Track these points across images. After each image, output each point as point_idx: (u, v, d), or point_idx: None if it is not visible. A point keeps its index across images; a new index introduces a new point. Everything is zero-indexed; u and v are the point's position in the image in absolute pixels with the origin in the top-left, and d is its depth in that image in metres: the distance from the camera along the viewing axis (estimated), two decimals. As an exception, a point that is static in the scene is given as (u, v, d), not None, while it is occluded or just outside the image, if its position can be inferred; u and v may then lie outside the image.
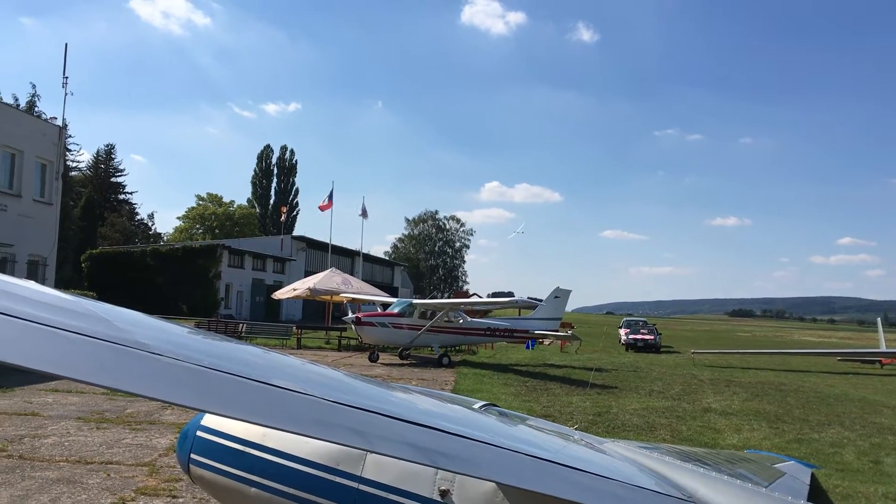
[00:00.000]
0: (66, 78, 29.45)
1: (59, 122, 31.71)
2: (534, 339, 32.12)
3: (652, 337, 41.16)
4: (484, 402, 4.09)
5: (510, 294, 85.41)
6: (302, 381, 2.09)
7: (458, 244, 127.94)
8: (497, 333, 27.03)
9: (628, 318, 51.24)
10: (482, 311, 43.19)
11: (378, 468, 4.15)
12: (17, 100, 55.26)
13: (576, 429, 4.24)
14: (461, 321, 25.90)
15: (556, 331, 28.48)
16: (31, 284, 1.94)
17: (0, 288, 1.68)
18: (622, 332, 44.72)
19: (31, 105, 55.46)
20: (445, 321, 24.94)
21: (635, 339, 40.69)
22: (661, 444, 6.87)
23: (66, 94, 30.12)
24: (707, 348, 42.38)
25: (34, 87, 70.63)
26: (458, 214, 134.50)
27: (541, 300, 28.98)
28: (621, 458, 3.23)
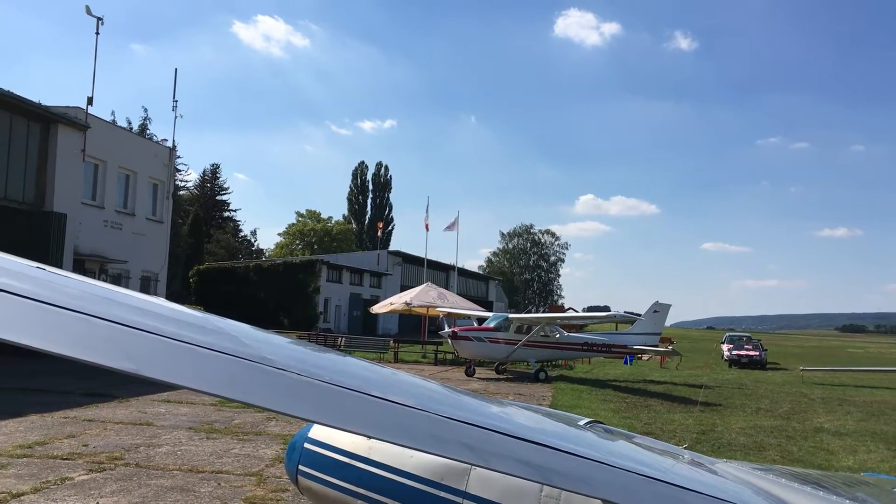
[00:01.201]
0: (176, 101, 30.96)
1: (170, 144, 33.29)
2: (632, 355, 31.50)
3: (757, 353, 39.65)
4: (589, 419, 4.04)
5: (606, 308, 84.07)
6: (415, 396, 2.12)
7: (552, 258, 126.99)
8: (594, 348, 26.64)
9: (731, 333, 49.62)
10: (578, 325, 42.70)
11: (482, 484, 4.15)
12: (130, 123, 58.30)
13: (685, 448, 4.14)
14: (557, 336, 25.68)
15: (656, 346, 27.86)
16: (163, 301, 2.05)
17: (137, 306, 1.78)
18: (725, 347, 43.28)
19: (144, 128, 58.39)
20: (542, 336, 24.76)
21: (739, 355, 39.30)
22: (774, 465, 6.62)
23: (175, 117, 31.67)
24: (817, 365, 40.57)
25: (146, 110, 74.46)
26: (553, 228, 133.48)
27: (638, 314, 28.42)
28: (735, 479, 3.14)
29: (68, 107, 24.77)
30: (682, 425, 14.92)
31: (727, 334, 50.12)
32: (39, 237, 22.20)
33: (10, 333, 1.26)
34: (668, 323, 29.90)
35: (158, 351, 1.57)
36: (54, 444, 9.64)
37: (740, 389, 24.00)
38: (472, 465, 3.47)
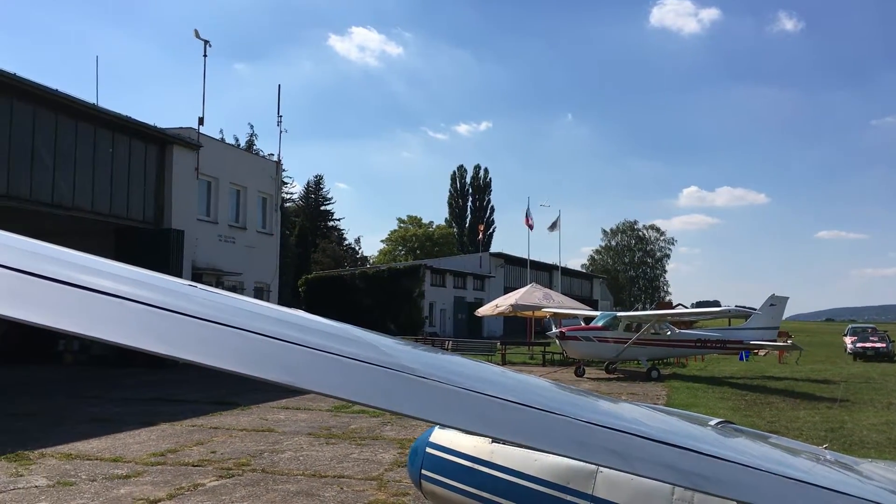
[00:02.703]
0: (281, 116, 31.97)
1: (276, 158, 34.39)
2: (748, 350, 30.40)
3: (884, 344, 37.50)
4: (719, 419, 3.90)
5: (716, 303, 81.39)
6: (554, 402, 2.09)
7: (658, 254, 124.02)
8: (708, 345, 25.87)
9: (854, 325, 47.11)
10: (688, 322, 41.55)
11: (610, 486, 4.06)
12: (237, 140, 60.60)
13: (825, 448, 3.93)
14: (669, 333, 25.06)
15: (774, 341, 26.79)
16: (303, 314, 2.09)
17: (284, 319, 1.81)
18: (847, 339, 41.13)
19: (251, 144, 60.61)
20: (652, 333, 24.22)
21: (864, 348, 37.28)
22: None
23: (280, 132, 32.73)
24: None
25: (252, 127, 77.05)
26: (657, 223, 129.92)
27: (752, 308, 27.39)
28: (883, 479, 2.96)
29: (181, 128, 25.94)
30: (807, 423, 14.28)
31: (850, 326, 47.64)
32: (160, 253, 23.31)
33: (171, 349, 1.30)
34: (783, 316, 28.71)
35: (310, 363, 1.59)
36: (185, 451, 10.08)
37: (868, 383, 22.78)
38: (619, 470, 3.40)
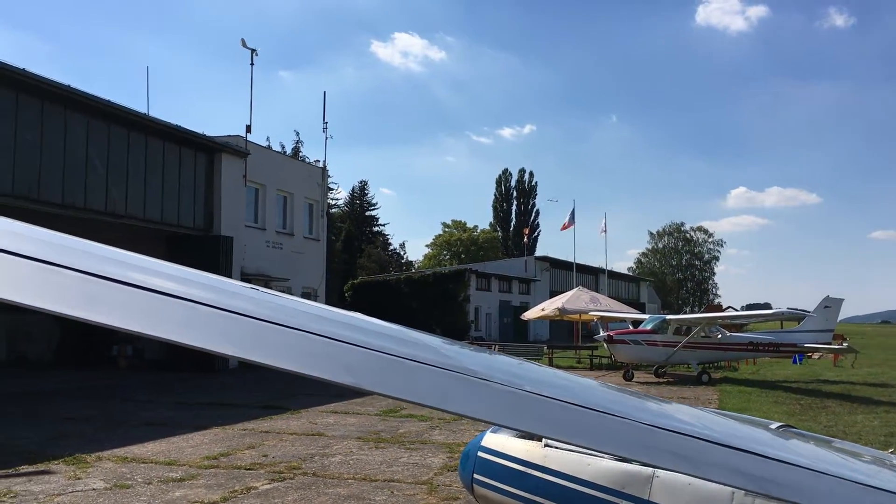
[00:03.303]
0: (326, 123, 32.30)
1: (321, 164, 34.73)
2: (801, 354, 29.74)
3: (943, 347, 36.44)
4: (780, 423, 3.81)
5: (767, 306, 79.97)
6: (616, 404, 2.06)
7: (706, 256, 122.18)
8: (760, 348, 25.37)
9: (912, 327, 45.80)
10: (739, 324, 40.83)
11: (667, 491, 4.00)
12: (283, 147, 61.33)
13: (892, 452, 3.82)
14: (719, 336, 24.65)
15: (829, 343, 26.17)
16: (361, 316, 2.09)
17: (343, 321, 1.82)
18: (906, 342, 40.05)
19: (297, 151, 61.30)
20: (702, 336, 23.86)
21: (923, 351, 36.25)
22: None
23: (326, 138, 33.06)
24: None
25: (297, 134, 77.98)
26: (705, 224, 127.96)
27: (804, 311, 26.80)
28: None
29: (229, 136, 26.35)
30: (866, 427, 13.91)
31: (907, 328, 46.31)
32: (210, 259, 23.68)
33: (238, 351, 1.31)
34: (838, 318, 28.02)
35: (371, 364, 1.59)
36: (237, 454, 10.22)
37: (928, 387, 22.12)
38: (687, 475, 3.36)
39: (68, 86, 18.88)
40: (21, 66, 17.56)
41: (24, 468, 9.15)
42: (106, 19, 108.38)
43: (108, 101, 20.28)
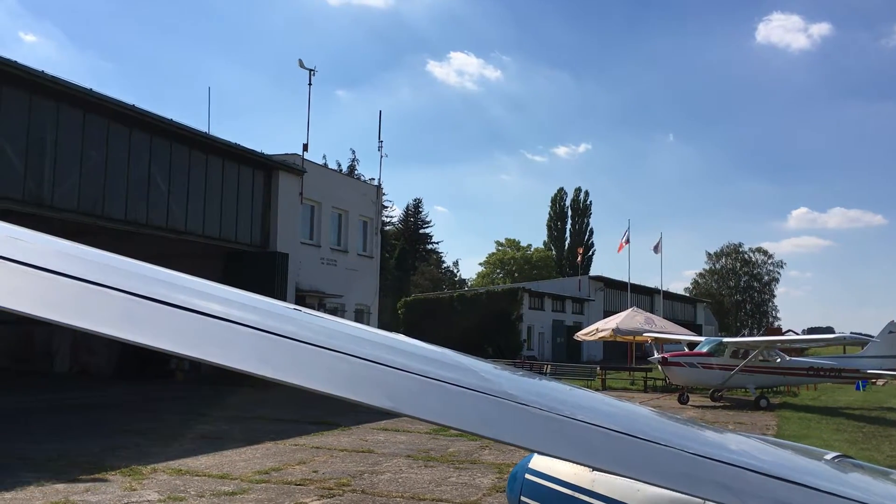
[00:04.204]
0: (381, 142, 32.64)
1: (376, 182, 35.08)
2: (865, 380, 28.79)
3: None
4: (836, 454, 3.68)
5: (829, 330, 77.75)
6: (659, 431, 2.02)
7: (765, 277, 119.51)
8: (821, 373, 24.65)
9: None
10: (800, 349, 39.78)
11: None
12: (339, 165, 62.19)
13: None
14: (778, 360, 24.04)
15: (894, 370, 25.29)
16: (403, 338, 2.10)
17: (385, 343, 1.82)
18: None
19: (352, 169, 62.08)
20: (761, 360, 23.30)
21: None
22: None
23: (381, 157, 33.42)
24: None
25: (353, 152, 78.99)
26: (764, 245, 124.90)
27: (869, 336, 25.99)
28: None
29: (286, 154, 26.83)
30: (933, 459, 13.38)
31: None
32: (266, 276, 24.07)
33: (278, 373, 1.31)
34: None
35: (412, 388, 1.59)
36: (288, 470, 10.31)
37: None
38: None
39: (133, 105, 19.48)
40: (88, 86, 18.20)
41: (83, 478, 9.38)
42: (169, 40, 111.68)
43: (171, 119, 20.86)
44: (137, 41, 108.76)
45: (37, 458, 10.55)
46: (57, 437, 12.60)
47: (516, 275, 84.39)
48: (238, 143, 23.66)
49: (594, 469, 4.28)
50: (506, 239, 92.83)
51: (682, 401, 23.40)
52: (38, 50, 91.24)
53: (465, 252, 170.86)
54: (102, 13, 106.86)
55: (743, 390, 24.47)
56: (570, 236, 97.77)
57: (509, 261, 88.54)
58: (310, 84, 28.26)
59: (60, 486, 8.88)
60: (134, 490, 8.85)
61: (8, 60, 16.23)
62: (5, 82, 16.42)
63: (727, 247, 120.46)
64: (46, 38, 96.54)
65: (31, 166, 17.30)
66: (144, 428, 13.96)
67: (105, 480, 9.28)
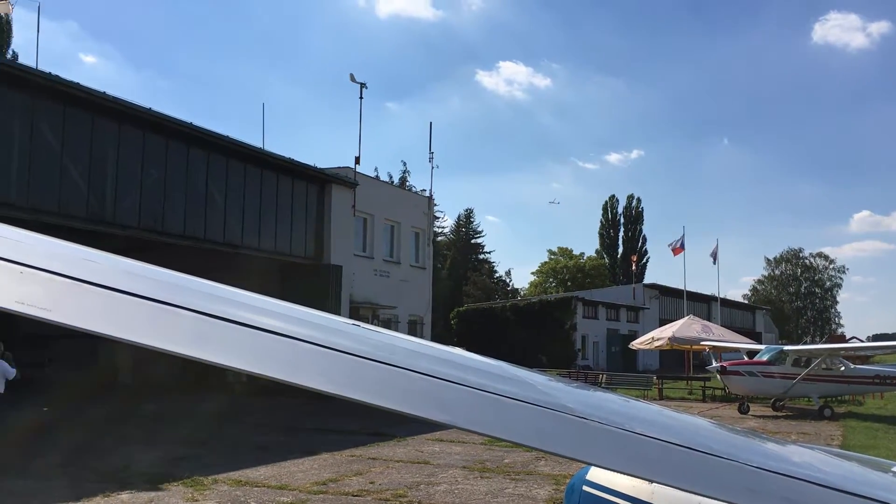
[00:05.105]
0: (433, 153, 32.86)
1: (427, 194, 35.27)
2: (935, 388, 27.80)
3: None
4: (904, 465, 3.58)
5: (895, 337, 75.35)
6: (718, 444, 2.00)
7: (827, 283, 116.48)
8: (889, 381, 23.90)
9: None
10: (864, 356, 38.63)
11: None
12: (391, 177, 62.69)
13: None
14: (842, 368, 23.39)
15: (967, 378, 24.39)
16: (459, 350, 2.11)
17: (441, 357, 1.84)
18: None
19: (403, 180, 62.51)
20: (824, 368, 22.70)
21: None
22: None
23: (432, 168, 33.62)
24: None
25: (405, 164, 79.51)
26: (825, 250, 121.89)
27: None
28: None
29: (339, 167, 27.15)
30: None
31: None
32: (320, 288, 24.35)
33: (339, 388, 1.34)
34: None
35: (468, 402, 1.61)
36: (345, 480, 10.40)
37: None
38: None
39: (190, 123, 19.95)
40: (147, 106, 18.72)
41: (146, 489, 9.60)
42: (223, 57, 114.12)
43: (227, 136, 21.30)
44: (192, 60, 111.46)
45: (103, 468, 10.84)
46: (121, 448, 12.92)
47: (569, 283, 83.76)
48: (291, 157, 24.04)
49: (652, 482, 4.23)
50: (558, 247, 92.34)
51: (743, 411, 22.93)
52: (97, 71, 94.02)
53: (516, 261, 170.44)
54: (159, 34, 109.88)
55: (806, 399, 23.87)
56: (623, 244, 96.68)
57: (562, 269, 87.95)
58: (361, 98, 28.64)
59: (125, 496, 9.11)
60: (196, 501, 9.03)
61: (71, 82, 16.80)
62: (69, 103, 16.98)
63: (787, 252, 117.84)
64: (105, 59, 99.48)
65: (94, 185, 17.84)
66: (205, 439, 14.22)
67: (168, 491, 9.48)
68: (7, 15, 31.12)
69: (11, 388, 11.26)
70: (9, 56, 37.95)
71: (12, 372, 11.04)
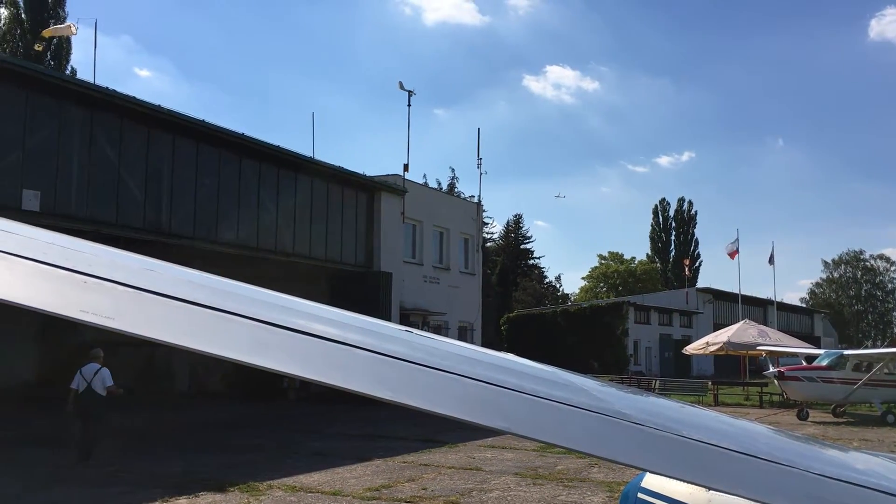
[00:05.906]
0: (481, 159, 32.87)
1: (476, 200, 35.27)
2: None
3: None
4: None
5: (963, 339, 72.78)
6: (779, 450, 1.96)
7: (889, 286, 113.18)
8: (955, 386, 23.10)
9: None
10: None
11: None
12: (439, 183, 62.86)
13: None
14: (906, 373, 22.69)
15: None
16: (514, 357, 2.11)
17: (497, 364, 1.84)
18: None
19: (452, 187, 62.62)
20: (886, 373, 22.05)
21: None
22: None
23: (480, 174, 33.61)
24: None
25: (453, 170, 79.71)
26: (886, 252, 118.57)
27: None
28: None
29: (388, 175, 27.36)
30: None
31: None
32: (370, 296, 24.52)
33: (395, 395, 1.35)
34: None
35: (524, 408, 1.60)
36: (397, 487, 10.44)
37: None
38: None
39: (242, 134, 20.31)
40: (200, 118, 19.12)
41: (203, 494, 9.77)
42: (272, 67, 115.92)
43: (278, 146, 21.62)
44: (243, 71, 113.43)
45: (162, 474, 11.07)
46: (179, 454, 13.18)
47: (620, 288, 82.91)
48: (341, 165, 24.30)
49: (710, 489, 4.16)
50: (609, 252, 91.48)
51: (802, 417, 22.39)
52: (152, 84, 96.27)
53: (567, 266, 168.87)
54: (211, 47, 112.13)
55: (867, 405, 23.21)
56: (675, 248, 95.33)
57: (613, 274, 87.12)
58: (409, 105, 28.82)
59: (184, 502, 9.28)
60: (251, 506, 9.15)
61: (127, 96, 17.25)
62: (126, 116, 17.44)
63: (846, 254, 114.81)
64: (159, 72, 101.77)
65: (150, 196, 18.27)
66: (260, 445, 14.43)
67: (225, 496, 9.63)
68: (71, 36, 32.15)
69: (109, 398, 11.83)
70: (67, 72, 39.14)
71: (110, 381, 11.74)
